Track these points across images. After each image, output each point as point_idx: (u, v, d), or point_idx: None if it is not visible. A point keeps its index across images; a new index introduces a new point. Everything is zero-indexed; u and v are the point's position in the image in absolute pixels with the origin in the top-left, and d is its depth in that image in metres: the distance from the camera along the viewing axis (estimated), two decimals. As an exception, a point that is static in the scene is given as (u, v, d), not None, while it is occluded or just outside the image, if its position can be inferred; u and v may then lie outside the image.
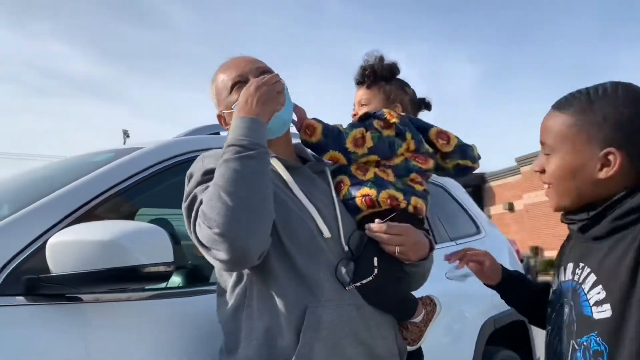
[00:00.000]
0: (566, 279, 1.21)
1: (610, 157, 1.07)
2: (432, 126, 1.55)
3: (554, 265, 1.33)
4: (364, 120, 1.52)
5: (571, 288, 1.16)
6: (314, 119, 1.47)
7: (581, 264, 1.14)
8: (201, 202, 1.16)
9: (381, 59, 1.62)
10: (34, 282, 1.26)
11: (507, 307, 2.94)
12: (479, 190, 25.06)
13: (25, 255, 1.29)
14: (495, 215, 24.00)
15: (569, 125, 1.12)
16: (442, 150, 1.54)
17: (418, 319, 1.42)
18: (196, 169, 1.30)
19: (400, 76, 1.66)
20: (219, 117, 1.46)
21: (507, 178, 24.26)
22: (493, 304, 2.89)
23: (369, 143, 1.43)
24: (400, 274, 1.41)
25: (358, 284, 1.27)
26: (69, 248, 1.22)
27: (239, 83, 1.38)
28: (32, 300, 1.26)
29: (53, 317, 1.27)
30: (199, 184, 1.25)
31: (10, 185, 1.96)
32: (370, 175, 1.42)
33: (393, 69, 1.63)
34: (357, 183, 1.42)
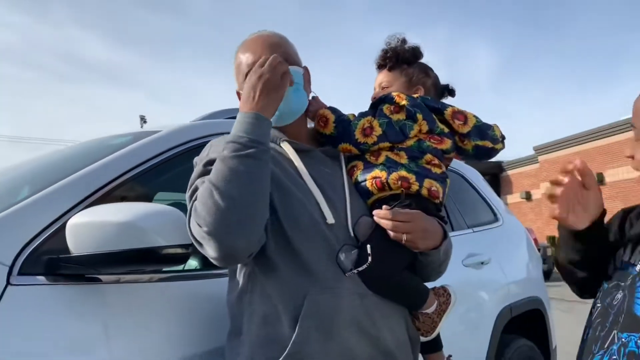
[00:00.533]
0: (629, 260, 1.10)
1: None
2: (447, 106, 1.48)
3: (619, 237, 1.18)
4: (375, 107, 1.49)
5: (631, 275, 1.06)
6: (330, 108, 1.45)
7: None
8: (196, 198, 1.16)
9: (404, 41, 1.57)
10: (54, 263, 1.28)
11: (524, 295, 2.96)
12: (496, 178, 24.86)
13: (45, 236, 1.31)
14: (512, 204, 23.81)
15: None
16: (459, 131, 1.47)
17: (430, 309, 1.38)
18: (200, 158, 1.30)
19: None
20: (238, 93, 1.44)
21: (525, 167, 24.02)
22: (510, 292, 2.88)
23: (378, 131, 1.40)
24: (411, 262, 1.37)
25: (355, 270, 1.23)
26: (89, 229, 1.23)
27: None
28: (53, 280, 1.28)
29: (72, 297, 1.29)
30: (200, 175, 1.24)
31: (31, 167, 1.98)
32: (382, 159, 1.40)
33: (416, 52, 1.58)
34: (369, 166, 1.39)
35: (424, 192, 1.35)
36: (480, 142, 1.47)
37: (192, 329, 1.44)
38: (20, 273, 1.24)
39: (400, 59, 1.56)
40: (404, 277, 1.36)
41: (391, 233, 1.28)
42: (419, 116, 1.42)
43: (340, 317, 1.19)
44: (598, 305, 1.14)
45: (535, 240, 3.74)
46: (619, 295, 1.06)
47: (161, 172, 1.67)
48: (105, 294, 1.36)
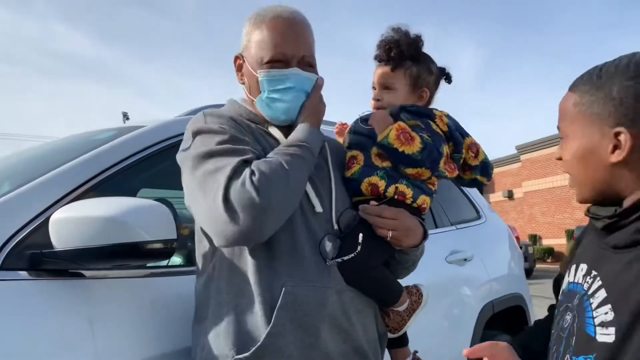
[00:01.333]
0: (575, 280, 1.08)
1: (621, 138, 0.94)
2: (468, 135, 1.47)
3: (566, 261, 1.19)
4: (400, 114, 1.41)
5: (578, 295, 1.03)
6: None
7: (594, 272, 1.01)
8: (244, 163, 1.15)
9: (407, 34, 1.45)
10: (37, 257, 1.26)
11: (506, 292, 3.00)
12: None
13: (28, 231, 1.29)
14: (495, 202, 24.05)
15: (575, 106, 1.01)
16: (467, 162, 1.48)
17: (402, 307, 1.39)
18: (202, 126, 1.27)
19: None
20: (237, 57, 1.41)
21: (508, 166, 24.27)
22: (492, 288, 2.91)
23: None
24: (388, 259, 1.39)
25: (339, 259, 1.24)
26: (72, 224, 1.22)
27: (278, 62, 1.31)
28: (35, 275, 1.27)
29: (56, 293, 1.28)
30: (221, 143, 1.20)
31: (13, 162, 1.96)
32: (387, 164, 1.36)
33: (419, 45, 1.48)
34: (371, 166, 1.37)
35: (415, 205, 1.37)
36: (479, 177, 1.51)
37: (178, 324, 1.43)
38: (2, 268, 1.22)
39: (405, 56, 1.45)
40: (382, 273, 1.37)
41: (377, 229, 1.30)
42: (451, 143, 1.42)
43: (316, 311, 1.19)
44: (553, 332, 1.13)
45: (517, 238, 3.78)
46: (569, 317, 1.05)
47: (146, 167, 1.66)
48: (89, 290, 1.35)
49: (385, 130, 1.32)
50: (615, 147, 0.95)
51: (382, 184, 1.33)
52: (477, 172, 1.50)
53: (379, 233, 1.30)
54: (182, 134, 1.72)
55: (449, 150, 1.41)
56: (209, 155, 1.18)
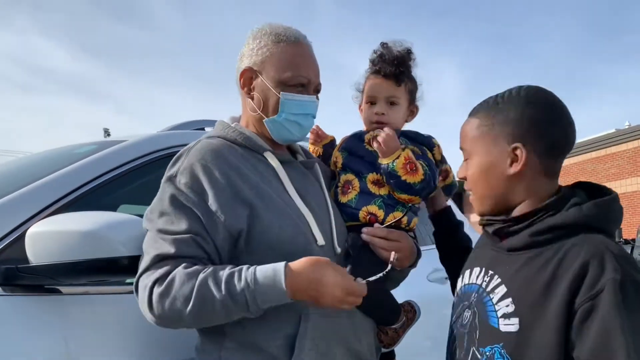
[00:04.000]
0: (470, 282, 1.21)
1: (517, 152, 1.10)
2: (447, 162, 1.53)
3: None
4: (400, 138, 1.42)
5: (475, 293, 1.16)
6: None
7: (490, 272, 1.15)
8: (160, 261, 1.12)
9: (410, 52, 1.46)
10: (12, 272, 1.23)
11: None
12: (459, 197, 25.21)
13: (3, 245, 1.27)
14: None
15: (478, 127, 1.16)
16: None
17: (398, 324, 1.42)
18: (185, 167, 1.20)
19: None
20: (248, 70, 1.33)
21: (488, 186, 24.51)
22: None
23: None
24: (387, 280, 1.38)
25: (372, 278, 1.20)
26: (49, 238, 1.20)
27: (300, 86, 1.31)
28: (9, 290, 1.24)
29: (31, 309, 1.25)
30: (162, 214, 1.16)
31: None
32: (384, 191, 1.38)
33: (414, 62, 1.48)
34: (368, 194, 1.37)
35: (408, 228, 1.41)
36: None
37: (158, 344, 1.40)
38: (-25, 283, 1.19)
39: (407, 73, 1.45)
40: (386, 294, 1.41)
41: (382, 251, 1.31)
42: (444, 166, 1.50)
43: (333, 337, 1.22)
44: (451, 331, 1.26)
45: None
46: (468, 314, 1.16)
47: (126, 182, 1.64)
48: (65, 306, 1.31)
49: (392, 155, 1.32)
50: (513, 161, 1.11)
51: (380, 214, 1.35)
52: (444, 193, 1.57)
53: (383, 255, 1.31)
54: (164, 149, 1.73)
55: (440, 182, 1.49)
56: (150, 229, 1.18)
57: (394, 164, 1.31)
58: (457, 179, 1.27)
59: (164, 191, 1.18)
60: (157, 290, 1.08)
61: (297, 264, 1.11)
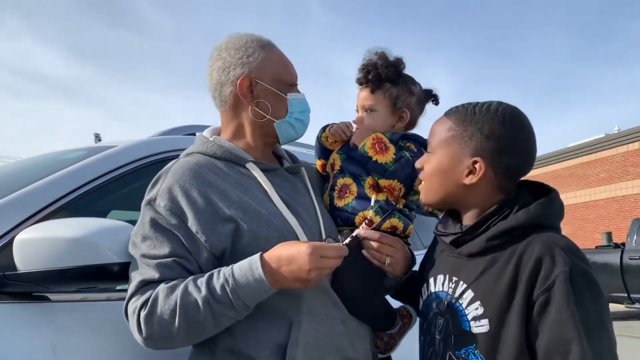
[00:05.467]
0: (437, 289, 1.25)
1: (477, 166, 1.16)
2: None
3: (421, 276, 1.36)
4: (399, 142, 1.44)
5: (445, 300, 1.21)
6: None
7: (454, 278, 1.20)
8: (145, 286, 1.14)
9: (384, 57, 1.48)
10: (-1, 280, 1.22)
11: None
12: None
13: (-9, 252, 1.25)
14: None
15: (448, 130, 1.21)
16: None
17: (395, 330, 1.42)
18: (164, 189, 1.20)
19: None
20: (245, 79, 1.30)
21: (479, 191, 24.57)
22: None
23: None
24: (381, 285, 1.39)
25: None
26: (38, 245, 1.19)
27: (295, 86, 1.37)
28: (-3, 298, 1.22)
29: (18, 317, 1.23)
30: (145, 238, 1.17)
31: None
32: (382, 197, 1.37)
33: (399, 67, 1.50)
34: (365, 199, 1.37)
35: (404, 235, 1.41)
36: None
37: (147, 350, 1.39)
38: (-39, 290, 1.17)
39: (383, 78, 1.47)
40: (381, 300, 1.39)
41: (375, 253, 1.30)
42: None
43: (326, 345, 1.20)
44: (423, 338, 1.29)
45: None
46: (441, 321, 1.21)
47: (116, 188, 1.62)
48: (53, 314, 1.29)
49: (364, 140, 1.36)
50: (470, 172, 1.17)
51: (377, 220, 1.33)
52: (436, 207, 1.50)
53: (377, 259, 1.30)
54: (154, 154, 1.71)
55: None
56: (134, 254, 1.19)
57: (364, 146, 1.35)
58: (417, 166, 1.28)
59: (144, 215, 1.19)
60: (143, 312, 1.10)
61: (270, 250, 1.11)
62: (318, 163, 1.57)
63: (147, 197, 1.21)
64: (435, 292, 1.25)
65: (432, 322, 1.24)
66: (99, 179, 1.55)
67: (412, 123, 1.54)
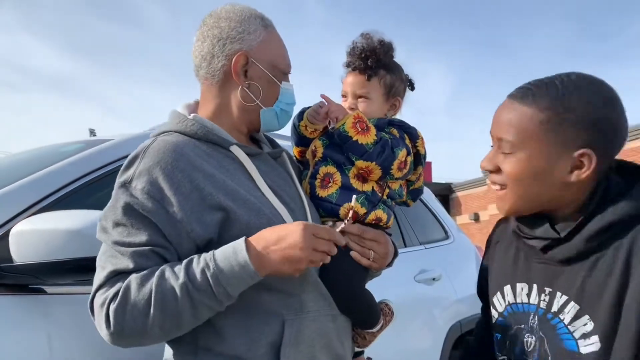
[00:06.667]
0: (519, 301, 1.09)
1: (585, 159, 0.95)
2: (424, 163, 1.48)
3: (489, 283, 1.22)
4: (385, 128, 1.37)
5: (535, 315, 1.04)
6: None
7: (548, 289, 1.02)
8: (115, 276, 1.01)
9: (383, 42, 1.39)
10: (-5, 272, 1.21)
11: (474, 311, 3.01)
12: (446, 199, 25.36)
13: (-14, 244, 1.25)
14: (461, 224, 24.32)
15: (538, 123, 0.97)
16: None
17: (377, 328, 1.38)
18: (141, 171, 1.06)
19: None
20: (242, 55, 1.19)
21: (474, 189, 24.63)
22: (460, 308, 2.92)
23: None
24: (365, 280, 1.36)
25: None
26: (34, 237, 1.18)
27: (287, 75, 1.27)
28: (-7, 290, 1.22)
29: (14, 309, 1.23)
30: (118, 225, 1.03)
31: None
32: (367, 187, 1.31)
33: (393, 53, 1.42)
34: (350, 189, 1.30)
35: (386, 226, 1.36)
36: (409, 200, 1.51)
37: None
38: (-43, 282, 1.17)
39: (381, 64, 1.38)
40: (368, 295, 1.35)
41: (357, 248, 1.26)
42: (420, 168, 1.42)
43: (318, 342, 1.14)
44: (502, 358, 1.12)
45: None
46: (531, 340, 1.04)
47: (113, 181, 1.61)
48: (49, 306, 1.30)
49: (343, 119, 1.27)
50: (576, 168, 0.96)
51: (362, 211, 1.29)
52: (409, 197, 1.50)
53: (361, 254, 1.26)
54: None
55: (413, 177, 1.43)
56: (104, 240, 1.05)
57: (344, 125, 1.26)
58: (481, 169, 1.12)
59: (117, 199, 1.05)
60: (113, 305, 0.98)
61: (256, 234, 1.04)
62: (295, 150, 1.49)
63: (120, 179, 1.07)
64: (516, 304, 1.09)
65: (516, 340, 1.07)
66: (95, 171, 1.55)
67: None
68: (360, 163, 1.28)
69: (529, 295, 1.05)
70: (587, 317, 0.94)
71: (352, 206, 1.24)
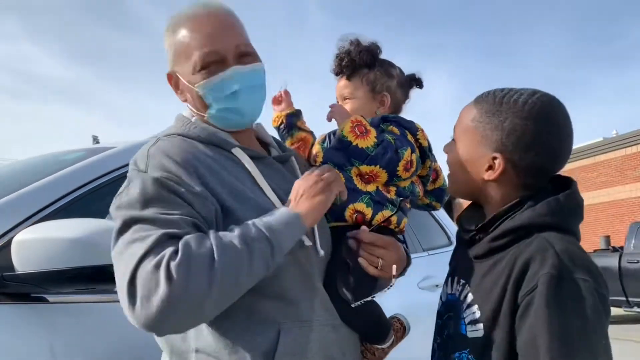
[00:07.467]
0: (452, 291, 1.20)
1: (496, 162, 1.08)
2: (435, 159, 1.45)
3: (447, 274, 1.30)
4: (381, 125, 1.35)
5: (455, 302, 1.17)
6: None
7: (462, 281, 1.16)
8: (169, 239, 0.94)
9: (357, 43, 1.39)
10: (-3, 281, 1.21)
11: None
12: (448, 204, 25.26)
13: (-11, 253, 1.24)
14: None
15: (472, 120, 1.13)
16: (425, 186, 1.46)
17: (387, 344, 1.32)
18: (136, 175, 1.04)
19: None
20: (169, 75, 1.19)
21: (477, 194, 24.63)
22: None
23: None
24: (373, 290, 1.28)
25: (369, 298, 1.16)
26: (37, 246, 1.18)
27: (213, 64, 1.12)
28: (-5, 299, 1.22)
29: (17, 318, 1.23)
30: (149, 203, 0.99)
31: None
32: (371, 187, 1.28)
33: (373, 52, 1.41)
34: (354, 190, 1.27)
35: (397, 229, 1.32)
36: (434, 202, 1.52)
37: (143, 352, 1.39)
38: (-41, 291, 1.17)
39: (357, 64, 1.39)
40: (376, 307, 1.29)
41: (365, 255, 1.21)
42: (428, 162, 1.38)
43: (316, 352, 1.09)
44: (437, 338, 1.25)
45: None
46: (451, 323, 1.17)
47: (116, 189, 1.61)
48: (51, 315, 1.29)
49: (342, 124, 1.27)
50: (490, 167, 1.10)
51: (368, 212, 1.25)
52: (433, 198, 1.49)
53: (369, 262, 1.21)
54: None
55: (423, 172, 1.38)
56: (134, 221, 0.97)
57: (343, 130, 1.25)
58: (444, 150, 1.21)
59: (142, 180, 1.01)
60: (174, 262, 0.89)
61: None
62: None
63: (133, 171, 1.06)
64: (450, 294, 1.21)
65: (446, 325, 1.20)
66: (98, 179, 1.56)
67: (396, 108, 1.46)
68: (364, 168, 1.27)
69: (453, 287, 1.20)
70: (476, 307, 1.07)
71: (357, 208, 1.24)
